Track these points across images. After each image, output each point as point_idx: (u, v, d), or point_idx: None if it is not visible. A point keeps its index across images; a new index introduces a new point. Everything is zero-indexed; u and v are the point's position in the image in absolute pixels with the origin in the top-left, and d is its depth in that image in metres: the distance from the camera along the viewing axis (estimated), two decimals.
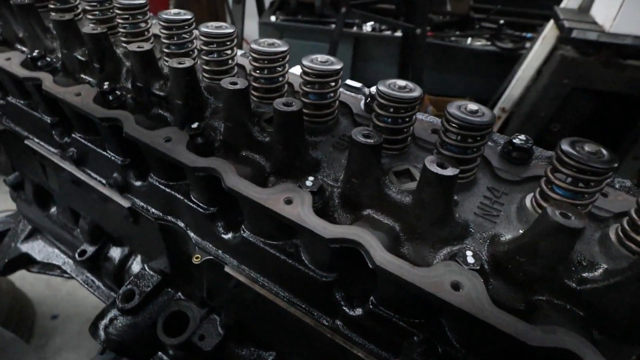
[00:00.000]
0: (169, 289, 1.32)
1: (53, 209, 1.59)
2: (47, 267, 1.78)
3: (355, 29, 5.15)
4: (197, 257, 1.02)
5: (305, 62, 0.99)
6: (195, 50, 1.19)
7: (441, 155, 0.82)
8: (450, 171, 0.73)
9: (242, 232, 0.94)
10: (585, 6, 3.75)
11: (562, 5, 3.93)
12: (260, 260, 0.96)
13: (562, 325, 0.66)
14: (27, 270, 1.83)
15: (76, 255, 1.43)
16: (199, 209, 1.00)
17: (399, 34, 5.10)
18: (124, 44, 1.22)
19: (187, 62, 0.98)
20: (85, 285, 1.62)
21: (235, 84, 0.92)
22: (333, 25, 5.18)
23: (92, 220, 1.40)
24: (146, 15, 1.19)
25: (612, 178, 0.92)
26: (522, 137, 0.96)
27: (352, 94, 1.16)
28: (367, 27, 5.15)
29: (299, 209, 0.78)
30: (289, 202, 0.80)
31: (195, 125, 0.98)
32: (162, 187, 1.05)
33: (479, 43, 5.01)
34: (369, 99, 1.08)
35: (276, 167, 0.97)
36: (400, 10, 4.83)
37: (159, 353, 1.41)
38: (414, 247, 0.82)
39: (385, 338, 0.86)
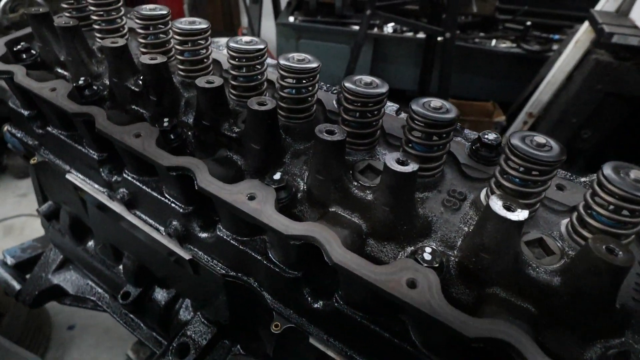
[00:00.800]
0: (225, 341, 1.19)
1: (90, 243, 1.46)
2: (80, 300, 1.66)
3: (376, 30, 5.00)
4: (276, 326, 0.89)
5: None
6: (265, 86, 1.07)
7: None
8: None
9: (334, 301, 0.81)
10: (625, 9, 3.58)
11: (599, 7, 3.77)
12: (358, 338, 0.84)
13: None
14: (58, 302, 1.71)
15: (119, 298, 1.30)
16: (281, 271, 0.86)
17: (420, 35, 4.94)
18: (181, 75, 1.08)
19: (270, 104, 0.85)
20: (124, 324, 1.50)
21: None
22: (353, 27, 5.03)
23: (138, 261, 1.27)
24: (208, 40, 1.05)
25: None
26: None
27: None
28: (388, 28, 4.99)
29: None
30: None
31: (277, 176, 0.85)
32: (234, 242, 0.91)
33: (504, 45, 4.85)
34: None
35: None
36: (424, 12, 4.67)
37: None
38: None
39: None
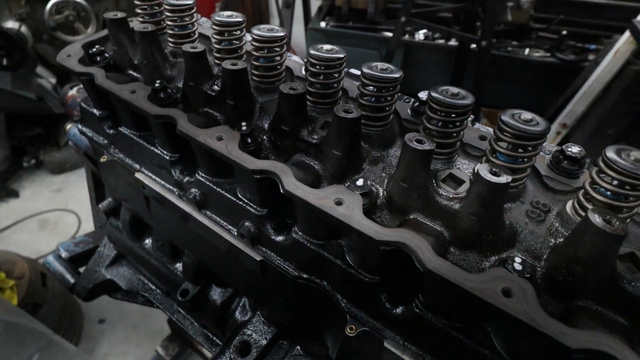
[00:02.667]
0: (284, 342, 1.22)
1: (147, 240, 1.51)
2: (131, 296, 1.70)
3: (407, 36, 5.01)
4: (351, 328, 0.90)
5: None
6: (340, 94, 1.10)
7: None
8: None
9: (415, 306, 0.83)
10: None
11: None
12: (436, 343, 0.85)
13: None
14: (110, 296, 1.76)
15: (178, 296, 1.34)
16: (361, 276, 0.88)
17: (452, 43, 4.93)
18: (255, 81, 1.12)
19: (355, 112, 0.86)
20: (176, 319, 1.54)
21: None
22: (384, 33, 5.05)
23: (198, 259, 1.31)
24: (283, 48, 1.08)
25: None
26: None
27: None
28: (420, 35, 4.99)
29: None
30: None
31: (361, 182, 0.87)
32: (311, 245, 0.93)
33: (538, 54, 4.80)
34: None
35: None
36: (457, 20, 4.66)
37: None
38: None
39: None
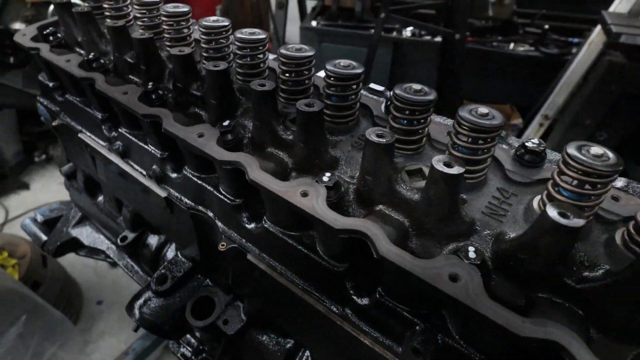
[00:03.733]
0: (199, 276, 1.42)
1: (100, 198, 1.74)
2: (93, 252, 1.94)
3: (395, 34, 5.18)
4: (222, 245, 1.11)
5: (329, 67, 1.05)
6: (231, 55, 1.28)
7: (451, 156, 0.85)
8: (455, 170, 0.76)
9: (263, 222, 1.02)
10: (637, 10, 3.59)
11: (611, 9, 3.79)
12: (279, 250, 1.03)
13: (560, 321, 0.68)
14: (76, 253, 2.00)
15: (118, 241, 1.56)
16: (227, 200, 1.09)
17: (439, 39, 5.08)
18: (167, 48, 1.33)
19: (222, 65, 1.07)
20: (126, 270, 1.76)
21: (263, 85, 1.01)
22: (372, 31, 5.23)
23: (134, 209, 1.53)
24: (189, 22, 1.30)
25: (628, 184, 0.92)
26: (535, 140, 0.98)
27: (375, 96, 1.22)
28: (407, 32, 5.16)
29: (314, 202, 0.84)
30: (304, 194, 0.86)
31: (226, 123, 1.07)
32: (195, 179, 1.14)
33: (522, 48, 4.89)
34: (389, 101, 1.11)
35: (297, 163, 1.04)
36: (441, 16, 4.81)
37: (187, 335, 1.52)
38: (421, 242, 0.87)
39: (390, 327, 0.91)
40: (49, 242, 1.95)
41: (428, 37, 5.08)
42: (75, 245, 1.94)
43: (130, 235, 1.57)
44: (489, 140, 0.87)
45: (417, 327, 0.84)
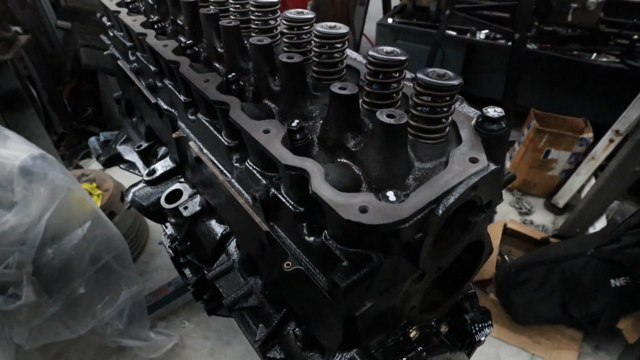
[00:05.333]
0: (179, 176, 1.81)
1: (134, 119, 2.24)
2: (131, 166, 2.45)
3: (468, 35, 5.17)
4: (175, 133, 1.47)
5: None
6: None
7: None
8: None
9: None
10: None
11: None
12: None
13: (344, 175, 0.91)
14: (119, 166, 2.54)
15: (135, 147, 2.02)
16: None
17: None
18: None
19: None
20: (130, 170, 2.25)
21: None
22: (448, 31, 5.27)
23: (148, 124, 1.98)
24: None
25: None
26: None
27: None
28: (481, 34, 5.11)
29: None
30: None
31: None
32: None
33: (605, 59, 4.57)
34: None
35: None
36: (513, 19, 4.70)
37: (167, 223, 1.92)
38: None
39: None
40: (102, 154, 2.51)
41: (503, 41, 4.99)
42: (118, 159, 2.47)
43: (145, 144, 2.02)
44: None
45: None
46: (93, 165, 5.63)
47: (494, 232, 4.05)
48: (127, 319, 3.58)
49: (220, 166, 1.32)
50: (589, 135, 4.40)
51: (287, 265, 1.03)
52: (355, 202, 0.77)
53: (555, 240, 3.94)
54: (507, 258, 4.09)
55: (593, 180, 4.37)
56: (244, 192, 1.21)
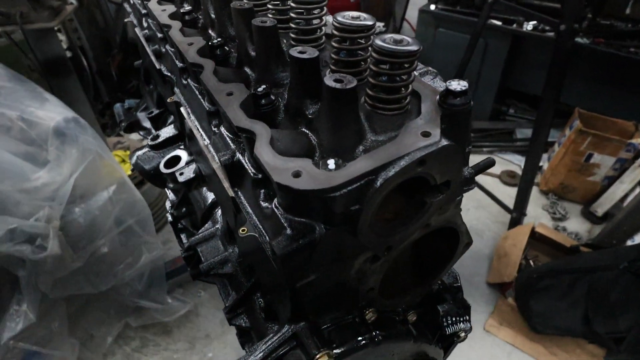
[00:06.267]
0: (180, 144, 1.85)
1: (152, 86, 2.30)
2: (148, 133, 2.54)
3: (515, 25, 4.88)
4: (170, 98, 1.49)
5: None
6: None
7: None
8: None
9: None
10: None
11: None
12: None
13: (299, 145, 0.89)
14: (138, 133, 2.63)
15: (146, 114, 2.08)
16: None
17: None
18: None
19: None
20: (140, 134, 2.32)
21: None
22: (492, 20, 4.98)
23: (158, 92, 2.03)
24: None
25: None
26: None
27: None
28: (529, 25, 4.80)
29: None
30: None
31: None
32: None
33: None
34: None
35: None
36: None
37: (170, 193, 1.97)
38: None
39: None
40: (124, 120, 2.61)
41: (552, 34, 4.66)
42: (137, 126, 2.56)
43: (156, 111, 2.07)
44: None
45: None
46: (133, 135, 5.85)
47: (520, 234, 3.85)
48: (147, 282, 3.74)
49: (202, 132, 1.33)
50: (638, 140, 4.06)
51: (243, 230, 1.02)
52: (291, 167, 0.76)
53: (586, 249, 3.69)
54: (532, 263, 3.88)
55: (638, 190, 4.04)
56: (216, 157, 1.21)
